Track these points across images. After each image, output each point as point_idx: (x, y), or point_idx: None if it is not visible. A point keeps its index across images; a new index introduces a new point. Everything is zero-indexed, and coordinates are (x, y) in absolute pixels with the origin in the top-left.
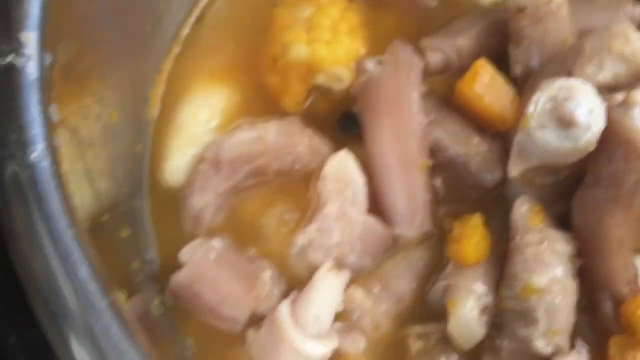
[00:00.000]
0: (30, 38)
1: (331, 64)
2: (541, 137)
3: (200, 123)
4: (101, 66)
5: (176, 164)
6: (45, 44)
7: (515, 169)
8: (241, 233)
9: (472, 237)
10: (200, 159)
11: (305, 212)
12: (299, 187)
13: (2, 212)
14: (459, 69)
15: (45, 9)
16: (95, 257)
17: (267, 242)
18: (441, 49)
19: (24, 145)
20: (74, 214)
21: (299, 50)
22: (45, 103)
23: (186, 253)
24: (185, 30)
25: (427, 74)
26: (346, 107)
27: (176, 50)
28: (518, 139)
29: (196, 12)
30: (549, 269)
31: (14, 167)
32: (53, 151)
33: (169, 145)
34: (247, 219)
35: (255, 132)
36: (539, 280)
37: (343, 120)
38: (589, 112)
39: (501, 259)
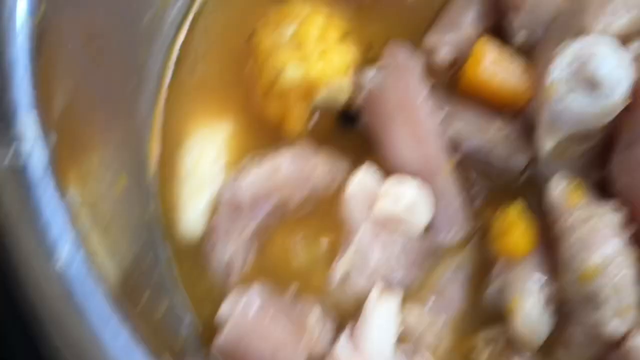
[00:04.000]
0: (28, 122)
1: (330, 76)
2: (572, 101)
3: (208, 165)
4: (98, 129)
5: (191, 215)
6: (47, 122)
7: (548, 143)
8: (275, 273)
9: (518, 228)
10: (217, 205)
11: (336, 238)
12: (325, 213)
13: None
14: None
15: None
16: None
17: (304, 279)
18: (449, 43)
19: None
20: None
21: (294, 70)
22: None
23: (224, 313)
24: (168, 75)
25: (432, 70)
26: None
27: (163, 96)
28: (545, 110)
29: (174, 54)
30: (603, 245)
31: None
32: (80, 252)
33: (179, 197)
34: (278, 257)
35: (270, 165)
36: (596, 259)
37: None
38: (615, 66)
39: (550, 245)
